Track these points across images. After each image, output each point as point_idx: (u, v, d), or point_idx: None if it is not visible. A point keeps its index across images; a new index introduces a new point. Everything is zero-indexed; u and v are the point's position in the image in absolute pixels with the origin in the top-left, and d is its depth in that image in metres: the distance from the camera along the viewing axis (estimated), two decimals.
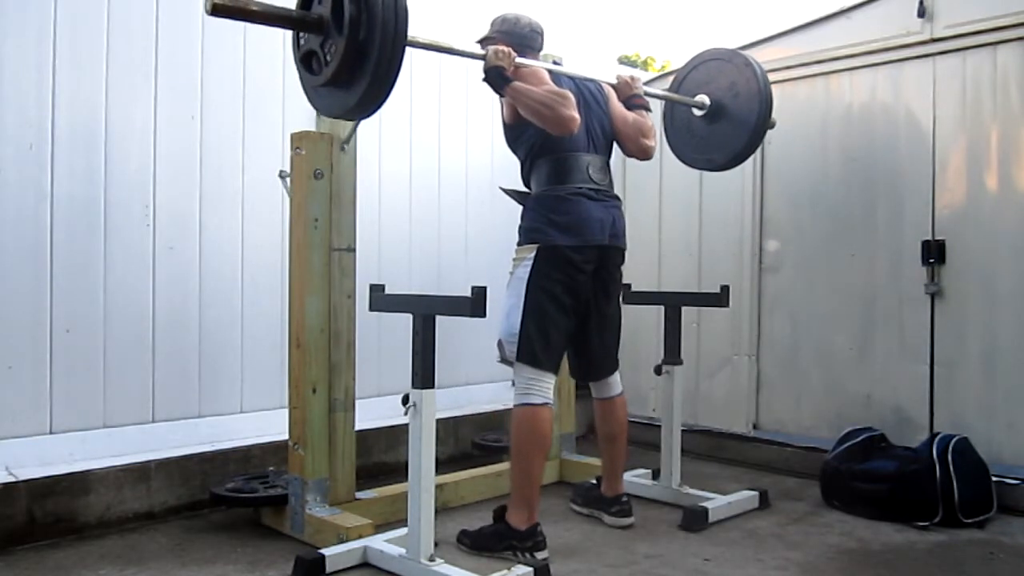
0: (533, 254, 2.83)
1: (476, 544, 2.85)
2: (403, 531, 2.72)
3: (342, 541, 2.75)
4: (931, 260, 3.61)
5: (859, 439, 3.51)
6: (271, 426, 3.49)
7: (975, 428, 3.44)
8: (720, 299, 3.55)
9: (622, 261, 3.07)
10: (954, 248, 3.59)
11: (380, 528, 2.89)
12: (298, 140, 2.99)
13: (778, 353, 4.18)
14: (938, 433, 3.42)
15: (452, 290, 3.81)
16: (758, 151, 4.17)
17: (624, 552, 2.90)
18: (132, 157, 3.33)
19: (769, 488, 3.54)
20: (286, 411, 3.07)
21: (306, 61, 2.31)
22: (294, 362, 3.01)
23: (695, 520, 3.15)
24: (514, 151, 3.04)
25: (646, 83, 4.72)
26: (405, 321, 2.63)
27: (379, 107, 2.27)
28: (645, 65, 15.83)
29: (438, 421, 2.65)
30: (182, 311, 3.46)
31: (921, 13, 3.62)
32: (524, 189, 3.05)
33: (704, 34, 28.85)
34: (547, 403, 2.81)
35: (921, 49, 3.67)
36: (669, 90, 3.63)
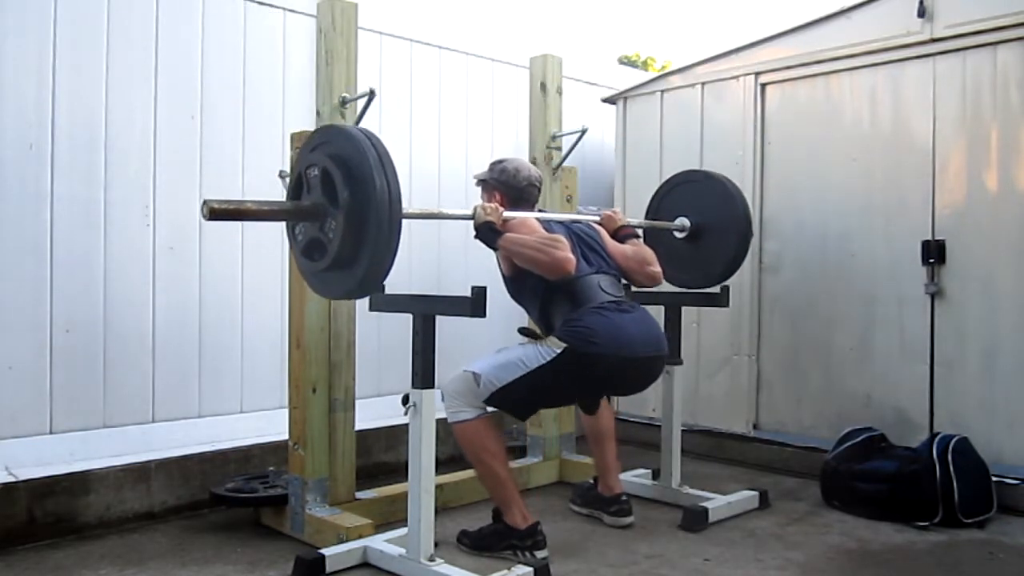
0: (559, 351, 2.71)
1: (476, 544, 2.85)
2: (403, 531, 2.73)
3: (342, 541, 2.76)
4: (931, 260, 3.61)
5: (859, 439, 3.51)
6: (271, 426, 3.49)
7: (975, 428, 3.44)
8: (720, 299, 3.56)
9: (661, 368, 3.00)
10: (954, 248, 3.58)
11: (380, 528, 2.89)
12: (298, 140, 2.98)
13: (778, 353, 4.17)
14: (938, 433, 3.42)
15: (452, 290, 3.81)
16: (758, 152, 4.20)
17: (624, 552, 2.91)
18: (132, 157, 3.33)
19: (769, 488, 3.54)
20: (286, 411, 3.07)
21: (308, 251, 2.36)
22: (294, 362, 3.01)
23: (695, 520, 3.15)
24: (522, 304, 3.01)
25: (646, 83, 4.75)
26: (405, 321, 2.63)
27: (382, 281, 2.34)
28: (645, 65, 15.82)
29: (438, 421, 2.65)
30: (182, 311, 3.46)
31: (921, 13, 3.62)
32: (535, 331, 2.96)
33: (704, 34, 28.81)
34: (479, 415, 2.79)
35: (921, 49, 3.67)
36: (646, 215, 3.76)
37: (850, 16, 3.90)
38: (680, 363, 3.54)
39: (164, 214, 3.41)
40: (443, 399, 2.82)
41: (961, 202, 3.59)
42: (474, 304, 2.47)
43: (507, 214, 2.82)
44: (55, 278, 3.12)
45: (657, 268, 3.08)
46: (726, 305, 3.59)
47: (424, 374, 2.56)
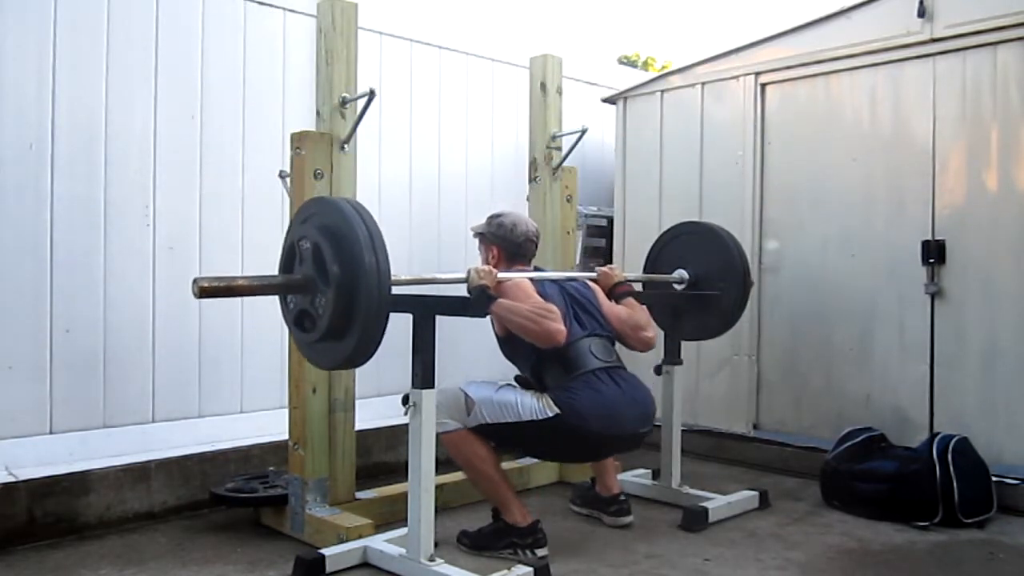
0: (552, 415, 2.72)
1: (476, 544, 2.85)
2: (403, 531, 2.72)
3: (342, 541, 2.76)
4: (931, 260, 3.61)
5: (859, 439, 3.51)
6: (271, 426, 3.49)
7: (975, 428, 3.44)
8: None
9: (650, 432, 3.00)
10: (954, 248, 3.58)
11: (380, 528, 2.89)
12: (298, 140, 2.98)
13: (778, 353, 4.17)
14: (938, 433, 3.42)
15: (452, 290, 3.81)
16: (758, 152, 4.20)
17: (624, 552, 2.91)
18: (132, 157, 3.33)
19: (769, 488, 3.54)
20: (286, 411, 3.07)
21: (299, 322, 2.38)
22: (294, 362, 3.01)
23: (695, 520, 3.15)
24: (514, 363, 3.01)
25: (646, 82, 4.75)
26: (405, 321, 2.63)
27: (371, 355, 2.34)
28: (645, 65, 15.82)
29: None
30: (182, 311, 3.46)
31: (921, 13, 3.62)
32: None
33: (704, 34, 28.81)
34: (458, 427, 2.82)
35: (921, 49, 3.67)
36: (644, 268, 3.76)
37: (850, 16, 3.90)
38: (680, 363, 3.54)
39: (164, 214, 3.41)
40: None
41: (961, 202, 3.59)
42: (474, 304, 2.47)
43: (501, 275, 2.81)
44: (55, 278, 3.12)
45: (651, 333, 3.08)
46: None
47: (424, 374, 2.57)
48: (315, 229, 2.29)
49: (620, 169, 4.79)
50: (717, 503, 3.28)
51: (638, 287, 3.50)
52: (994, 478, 3.30)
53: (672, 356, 3.53)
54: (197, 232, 3.51)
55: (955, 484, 3.16)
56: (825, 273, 4.00)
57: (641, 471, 3.71)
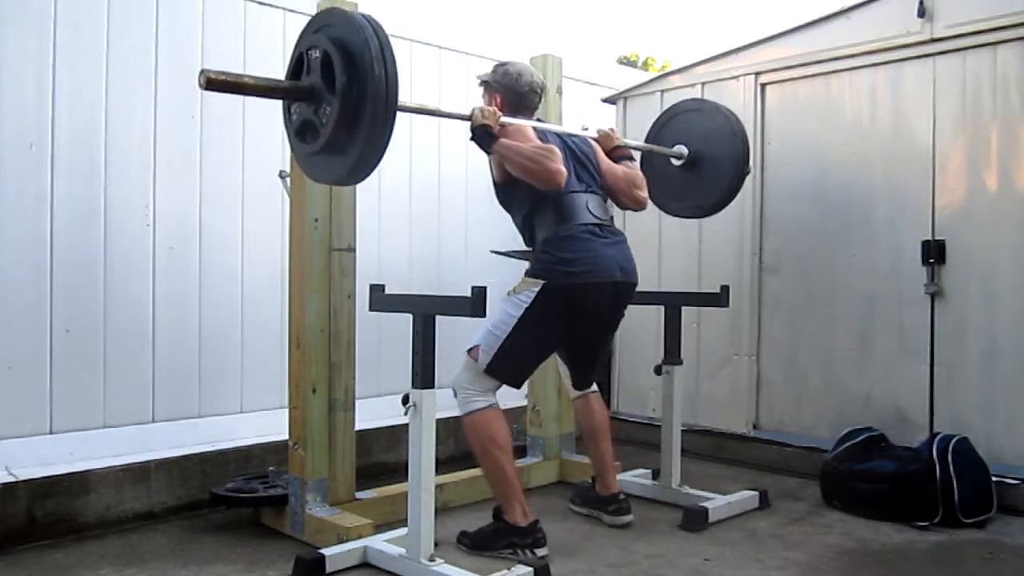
0: (538, 289, 2.78)
1: (476, 544, 2.85)
2: (403, 531, 2.72)
3: (342, 541, 2.76)
4: (931, 260, 3.61)
5: (859, 439, 3.51)
6: (271, 426, 3.49)
7: (975, 428, 3.44)
8: (720, 299, 3.56)
9: (631, 298, 3.05)
10: (954, 248, 3.58)
11: (380, 528, 2.89)
12: None
13: (778, 353, 4.17)
14: (938, 433, 3.42)
15: (452, 290, 3.80)
16: (758, 152, 4.19)
17: (624, 552, 2.91)
18: (132, 157, 3.33)
19: (769, 488, 3.54)
20: (286, 411, 3.07)
21: (300, 133, 2.33)
22: (294, 362, 3.01)
23: (695, 520, 3.15)
24: (509, 211, 3.03)
25: (646, 83, 4.75)
26: (405, 321, 2.63)
27: (371, 172, 2.30)
28: (645, 65, 15.82)
29: (438, 421, 2.65)
30: (182, 311, 3.46)
31: (921, 13, 3.62)
32: (521, 248, 3.02)
33: (704, 34, 28.83)
34: (491, 404, 2.82)
35: (921, 49, 3.67)
36: (646, 141, 3.72)
37: (850, 16, 3.90)
38: (680, 363, 3.54)
39: (164, 214, 3.41)
40: (455, 395, 2.85)
41: (961, 202, 3.59)
42: (474, 304, 2.47)
43: (505, 119, 2.80)
44: (55, 278, 3.12)
45: (644, 193, 3.09)
46: (726, 305, 3.59)
47: (424, 374, 2.56)
48: (326, 39, 2.22)
49: None
50: (717, 503, 3.28)
51: (637, 159, 3.44)
52: (994, 478, 3.30)
53: (672, 356, 3.53)
54: (197, 232, 3.51)
55: (955, 484, 3.16)
56: (825, 273, 4.00)
57: (641, 471, 3.71)
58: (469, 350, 2.85)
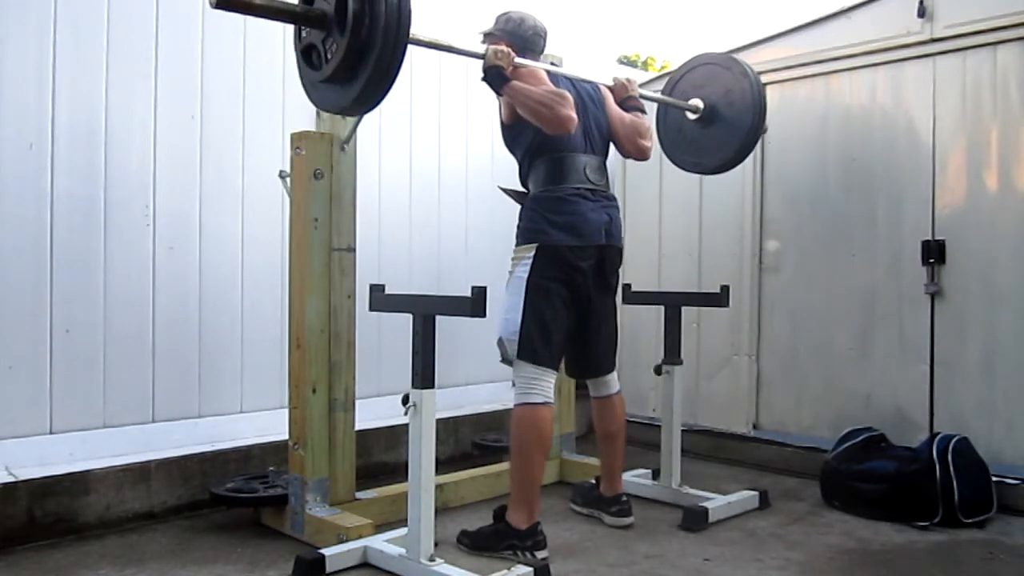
0: (532, 254, 2.84)
1: (476, 544, 2.85)
2: (403, 531, 2.72)
3: (342, 541, 2.75)
4: (931, 260, 3.61)
5: (859, 439, 3.51)
6: (271, 426, 3.49)
7: (975, 428, 3.44)
8: (720, 299, 3.55)
9: (620, 261, 3.09)
10: (954, 248, 3.58)
11: (380, 528, 2.89)
12: (298, 140, 2.99)
13: (778, 353, 4.17)
14: (938, 433, 3.42)
15: (452, 290, 3.81)
16: (758, 152, 4.19)
17: (624, 552, 2.91)
18: (132, 157, 3.33)
19: (769, 488, 3.54)
20: (286, 411, 3.07)
21: (307, 54, 2.31)
22: (294, 362, 3.01)
23: (695, 520, 3.15)
24: (512, 151, 3.05)
25: (642, 84, 4.73)
26: (405, 321, 2.63)
27: (377, 104, 2.28)
28: (645, 65, 15.82)
29: (438, 421, 2.65)
30: (182, 311, 3.46)
31: (921, 13, 3.62)
32: (523, 189, 3.06)
33: (704, 34, 28.82)
34: (547, 402, 2.82)
35: (921, 49, 3.67)
36: (664, 92, 3.66)
37: (850, 16, 3.90)
38: (680, 363, 3.54)
39: (164, 214, 3.41)
40: (512, 384, 2.88)
41: (961, 202, 3.59)
42: (474, 304, 2.46)
43: (518, 61, 2.78)
44: (55, 278, 3.12)
45: (648, 143, 3.10)
46: (726, 305, 3.59)
47: (424, 374, 2.56)
48: None
49: (620, 169, 4.79)
50: (717, 503, 3.28)
51: (651, 106, 3.41)
52: (994, 478, 3.30)
53: (672, 356, 3.53)
54: (197, 232, 3.50)
55: (955, 484, 3.16)
56: (825, 273, 4.00)
57: (641, 471, 3.71)
58: (499, 344, 2.87)
